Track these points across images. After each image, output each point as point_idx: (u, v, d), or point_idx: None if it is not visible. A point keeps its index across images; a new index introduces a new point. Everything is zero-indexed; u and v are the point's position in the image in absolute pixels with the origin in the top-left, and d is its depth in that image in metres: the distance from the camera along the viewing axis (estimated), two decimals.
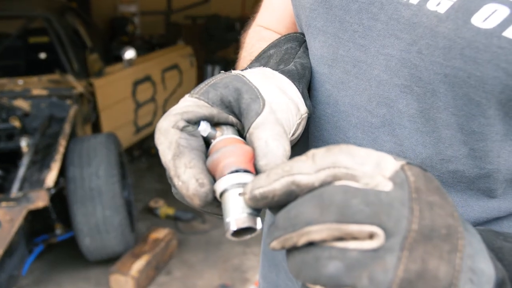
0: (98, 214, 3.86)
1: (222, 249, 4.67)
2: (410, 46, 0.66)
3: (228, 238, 0.50)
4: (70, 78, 4.68)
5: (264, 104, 0.60)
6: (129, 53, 5.35)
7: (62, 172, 3.89)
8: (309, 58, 0.83)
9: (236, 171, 0.52)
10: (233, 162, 0.53)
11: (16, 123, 4.17)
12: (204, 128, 0.59)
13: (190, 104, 0.60)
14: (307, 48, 0.85)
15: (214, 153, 0.55)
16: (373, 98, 0.72)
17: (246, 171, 0.53)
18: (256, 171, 0.54)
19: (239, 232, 0.51)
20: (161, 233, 4.46)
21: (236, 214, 0.50)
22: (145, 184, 5.98)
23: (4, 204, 3.31)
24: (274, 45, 0.85)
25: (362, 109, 0.74)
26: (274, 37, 0.96)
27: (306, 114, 0.71)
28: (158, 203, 5.30)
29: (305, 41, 0.86)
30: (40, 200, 3.38)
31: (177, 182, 0.53)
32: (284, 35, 0.88)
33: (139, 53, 5.81)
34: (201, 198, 0.52)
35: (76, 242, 3.98)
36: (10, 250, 3.41)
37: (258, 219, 0.51)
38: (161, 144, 0.55)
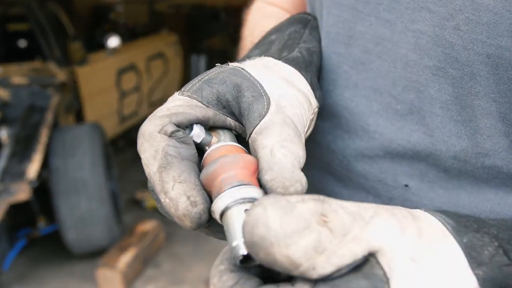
0: (83, 206, 3.77)
1: (211, 241, 4.60)
2: (445, 21, 0.57)
3: (237, 265, 0.43)
4: (52, 66, 4.56)
5: (269, 103, 0.52)
6: (113, 41, 5.28)
7: (45, 164, 3.79)
8: (316, 40, 0.74)
9: (238, 185, 0.44)
10: (234, 176, 0.45)
11: None
12: (198, 133, 0.50)
13: (180, 104, 0.51)
14: (314, 29, 0.76)
15: (210, 165, 0.46)
16: (399, 81, 0.63)
17: (249, 186, 0.45)
18: (261, 186, 0.46)
19: (250, 257, 0.41)
20: (148, 226, 4.38)
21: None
22: (130, 175, 5.87)
23: None
24: (276, 30, 0.75)
25: (385, 94, 0.65)
26: (279, 13, 0.89)
27: (317, 109, 0.62)
28: (144, 195, 5.21)
29: (310, 21, 0.76)
30: (22, 192, 3.29)
31: (163, 199, 0.45)
32: (287, 18, 0.77)
33: (123, 41, 5.71)
34: (193, 220, 0.44)
35: (60, 236, 3.89)
36: None
37: None
38: (145, 152, 0.47)
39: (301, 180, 0.45)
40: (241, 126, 0.54)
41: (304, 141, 0.52)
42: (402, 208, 0.45)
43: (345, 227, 0.38)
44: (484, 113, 0.58)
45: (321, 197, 0.40)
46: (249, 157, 0.47)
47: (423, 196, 0.66)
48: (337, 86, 0.72)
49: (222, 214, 0.43)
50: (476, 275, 0.41)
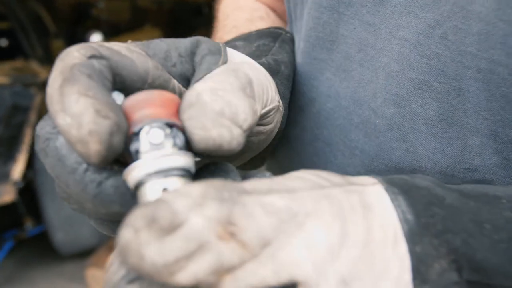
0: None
1: None
2: (431, 28, 0.51)
3: None
4: (34, 65, 4.50)
5: (225, 62, 0.43)
6: (96, 38, 5.25)
7: (30, 164, 3.73)
8: (286, 52, 0.66)
9: (152, 123, 0.35)
10: (150, 115, 0.35)
11: None
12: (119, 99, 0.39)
13: (118, 44, 0.41)
14: (284, 42, 0.69)
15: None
16: (379, 93, 0.57)
17: (169, 124, 0.35)
18: (184, 131, 0.37)
19: None
20: None
21: None
22: None
23: None
24: (242, 38, 0.67)
25: (365, 106, 0.59)
26: (253, 5, 0.82)
27: (280, 107, 0.54)
28: None
29: (281, 35, 0.69)
30: (7, 194, 3.27)
31: (62, 120, 0.33)
32: (256, 30, 0.70)
33: (106, 38, 5.66)
34: (103, 138, 0.33)
35: (48, 237, 3.84)
36: None
37: None
38: (54, 71, 0.37)
39: (232, 129, 0.36)
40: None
41: (259, 111, 0.43)
42: (358, 187, 0.37)
43: (263, 238, 0.30)
44: (473, 130, 0.52)
45: (237, 188, 0.31)
46: (170, 95, 0.38)
47: None
48: (320, 94, 0.66)
49: (136, 188, 0.35)
50: None
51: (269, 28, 0.71)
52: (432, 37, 0.52)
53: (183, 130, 0.36)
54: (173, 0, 9.58)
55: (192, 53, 0.44)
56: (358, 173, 0.61)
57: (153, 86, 0.41)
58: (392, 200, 0.37)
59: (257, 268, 0.30)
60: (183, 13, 9.51)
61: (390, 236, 0.35)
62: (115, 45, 0.40)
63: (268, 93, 0.47)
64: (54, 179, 0.38)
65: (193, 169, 0.36)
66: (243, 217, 0.30)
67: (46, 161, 0.37)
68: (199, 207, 0.29)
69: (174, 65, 0.43)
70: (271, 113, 0.49)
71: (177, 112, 0.37)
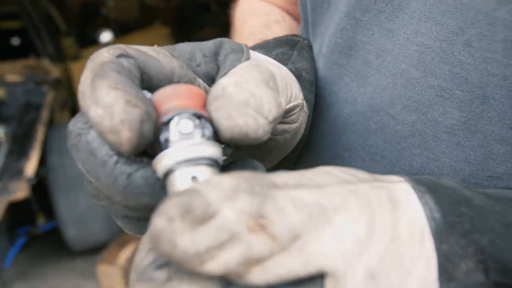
0: (82, 203, 3.76)
1: None
2: (455, 35, 0.50)
3: None
4: (46, 63, 4.53)
5: (247, 58, 0.44)
6: (105, 36, 5.27)
7: (42, 161, 3.77)
8: (306, 60, 0.66)
9: (181, 114, 0.36)
10: (179, 106, 0.36)
11: None
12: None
13: (145, 47, 0.42)
14: (303, 49, 0.68)
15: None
16: (398, 100, 0.56)
17: (197, 115, 0.36)
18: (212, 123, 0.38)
19: None
20: None
21: None
22: None
23: None
24: (260, 46, 0.66)
25: (382, 112, 0.58)
26: (268, 10, 0.82)
27: (305, 107, 0.54)
28: None
29: (299, 42, 0.69)
30: (20, 190, 3.29)
31: (95, 112, 0.35)
32: (273, 39, 0.69)
33: (115, 36, 5.68)
34: (133, 125, 0.34)
35: (59, 233, 3.88)
36: None
37: None
38: (85, 70, 0.38)
39: (259, 118, 0.37)
40: None
41: (283, 104, 0.43)
42: (385, 184, 0.37)
43: (293, 231, 0.30)
44: (498, 139, 0.50)
45: (268, 182, 0.32)
46: (196, 89, 0.39)
47: None
48: (338, 99, 0.65)
49: (165, 176, 0.36)
50: None
51: (286, 36, 0.70)
52: (456, 44, 0.50)
53: (210, 121, 0.37)
54: None
55: (216, 53, 0.45)
56: None
57: (180, 82, 0.42)
58: (420, 198, 0.37)
59: (286, 259, 0.30)
60: (191, 10, 9.53)
61: (417, 233, 0.35)
62: (142, 47, 0.41)
63: (291, 88, 0.47)
64: (85, 174, 0.39)
65: (221, 159, 0.37)
66: (273, 211, 0.30)
67: (78, 156, 0.38)
68: (231, 200, 0.29)
69: (198, 65, 0.44)
70: (295, 111, 0.49)
71: (204, 105, 0.38)
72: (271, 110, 0.39)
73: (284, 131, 0.50)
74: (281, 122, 0.48)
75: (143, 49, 0.40)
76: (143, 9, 9.42)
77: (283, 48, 0.66)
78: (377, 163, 0.60)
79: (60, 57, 4.81)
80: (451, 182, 0.39)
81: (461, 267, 0.34)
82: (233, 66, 0.42)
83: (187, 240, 0.29)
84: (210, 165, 0.35)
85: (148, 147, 0.38)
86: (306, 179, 0.34)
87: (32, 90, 4.23)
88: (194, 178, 0.34)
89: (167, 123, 0.36)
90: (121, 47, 0.39)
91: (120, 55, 0.38)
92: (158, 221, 0.29)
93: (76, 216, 3.78)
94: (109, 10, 7.96)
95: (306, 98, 0.58)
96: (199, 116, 0.36)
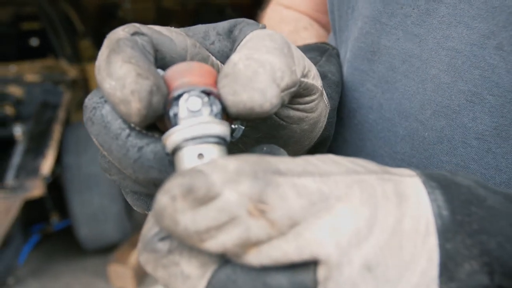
0: (95, 203, 3.79)
1: None
2: (486, 39, 0.49)
3: None
4: (63, 63, 4.58)
5: (262, 28, 0.44)
6: None
7: (57, 160, 3.81)
8: (333, 65, 0.66)
9: (191, 90, 0.36)
10: (189, 82, 0.37)
11: (10, 110, 4.06)
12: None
13: (158, 26, 0.43)
14: (332, 57, 0.68)
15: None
16: (428, 105, 0.55)
17: (206, 92, 0.37)
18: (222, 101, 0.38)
19: None
20: None
21: None
22: None
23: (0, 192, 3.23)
24: None
25: (411, 118, 0.57)
26: (296, 17, 0.83)
27: (325, 99, 0.52)
28: None
29: (328, 50, 0.69)
30: (36, 188, 3.32)
31: (108, 84, 0.36)
32: (303, 45, 0.69)
33: None
34: (142, 95, 0.35)
35: (73, 232, 3.91)
36: (6, 240, 3.34)
37: None
38: (102, 47, 0.39)
39: (266, 91, 0.37)
40: None
41: (298, 73, 0.42)
42: (394, 177, 0.37)
43: (292, 218, 0.31)
44: None
45: (272, 167, 0.32)
46: (208, 67, 0.39)
47: None
48: (361, 106, 0.64)
49: (173, 153, 0.37)
50: None
51: (316, 43, 0.70)
52: (487, 48, 0.50)
53: (219, 98, 0.37)
54: (197, 1, 9.67)
55: (230, 31, 0.44)
56: None
57: (193, 60, 0.42)
58: (429, 193, 0.36)
59: (281, 243, 0.31)
60: (206, 14, 9.59)
61: (421, 229, 0.34)
62: (156, 26, 0.42)
63: (308, 63, 0.45)
64: (98, 147, 0.40)
65: (228, 137, 0.37)
66: (274, 197, 0.30)
67: (92, 129, 0.39)
68: (233, 183, 0.30)
69: (212, 43, 0.44)
70: (314, 97, 0.47)
71: (215, 83, 0.38)
72: (283, 77, 0.38)
73: (301, 120, 0.49)
74: (297, 109, 0.47)
75: (157, 28, 0.41)
76: (159, 12, 9.50)
77: (311, 54, 0.65)
78: None
79: (77, 58, 4.85)
80: (467, 180, 0.38)
81: (464, 267, 0.34)
82: (245, 34, 0.42)
83: (188, 219, 0.30)
84: (217, 143, 0.36)
85: (159, 123, 0.39)
86: (311, 166, 0.34)
87: (49, 90, 4.28)
88: (200, 155, 0.35)
89: (176, 98, 0.37)
90: (136, 26, 0.40)
91: (134, 33, 0.39)
92: (162, 199, 0.30)
93: (89, 216, 3.81)
94: (126, 13, 8.04)
95: (330, 96, 0.58)
96: (208, 93, 0.37)
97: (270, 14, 0.88)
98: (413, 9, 0.56)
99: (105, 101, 0.38)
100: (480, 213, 0.36)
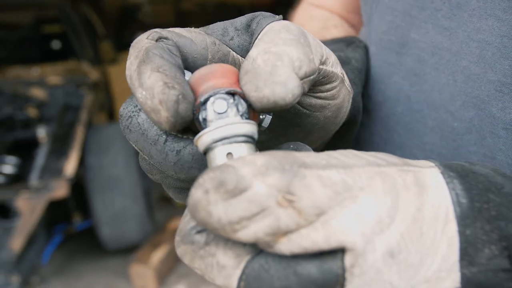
0: (117, 203, 3.83)
1: None
2: None
3: None
4: (85, 66, 4.63)
5: (279, 20, 0.44)
6: None
7: (80, 161, 3.86)
8: (359, 54, 0.66)
9: (216, 94, 0.38)
10: (213, 86, 0.39)
11: (33, 112, 4.13)
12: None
13: (178, 28, 0.44)
14: (358, 47, 0.69)
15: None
16: (458, 96, 0.56)
17: (231, 92, 0.38)
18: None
19: None
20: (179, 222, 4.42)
21: None
22: None
23: (24, 193, 3.28)
24: None
25: (441, 110, 0.58)
26: (326, 15, 0.84)
27: (347, 85, 0.52)
28: None
29: (355, 42, 0.69)
30: (60, 189, 3.37)
31: (140, 94, 0.37)
32: (331, 39, 0.71)
33: None
34: (170, 105, 0.36)
35: (94, 232, 3.96)
36: (30, 240, 3.39)
37: None
38: (129, 57, 0.41)
39: (287, 83, 0.37)
40: None
41: (316, 61, 0.42)
42: (414, 168, 0.38)
43: (319, 207, 0.32)
44: None
45: (298, 161, 0.33)
46: (229, 66, 0.41)
47: None
48: (387, 98, 0.65)
49: (205, 153, 0.38)
50: (462, 274, 0.35)
51: (344, 36, 0.72)
52: None
53: (244, 96, 0.39)
54: (215, 4, 9.71)
55: (248, 26, 0.45)
56: None
57: (213, 60, 0.43)
58: (448, 183, 0.37)
59: (310, 232, 0.32)
60: (225, 16, 9.61)
61: (441, 216, 0.36)
62: (176, 29, 0.43)
63: (326, 51, 0.45)
64: (138, 152, 0.42)
65: (256, 135, 0.39)
66: (301, 187, 0.32)
67: (130, 137, 0.41)
68: (262, 175, 0.32)
69: (231, 39, 0.45)
70: (334, 84, 0.48)
71: (238, 81, 0.40)
72: (302, 66, 0.39)
73: (323, 107, 0.49)
74: (318, 97, 0.48)
75: (177, 31, 0.43)
76: (178, 14, 9.56)
77: (338, 44, 0.67)
78: None
79: (98, 61, 4.90)
80: (485, 169, 0.40)
81: (484, 252, 0.35)
82: (262, 27, 0.43)
83: (220, 210, 0.32)
84: (244, 141, 0.37)
85: (193, 125, 0.40)
86: (334, 160, 0.35)
87: (71, 92, 4.33)
88: (229, 154, 0.37)
89: (203, 103, 0.38)
90: (157, 31, 0.41)
91: (158, 39, 0.40)
92: (195, 193, 0.32)
93: (111, 216, 3.85)
94: (146, 15, 8.11)
95: (352, 81, 0.59)
96: (233, 93, 0.38)
97: (300, 12, 0.89)
98: (444, 3, 0.57)
99: (140, 110, 0.41)
100: (498, 199, 0.37)
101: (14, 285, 3.33)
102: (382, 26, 0.65)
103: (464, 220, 0.36)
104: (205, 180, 0.32)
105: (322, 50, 0.44)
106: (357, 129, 0.62)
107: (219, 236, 0.35)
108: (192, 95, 0.38)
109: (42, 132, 3.88)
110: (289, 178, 0.32)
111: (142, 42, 0.40)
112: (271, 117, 0.44)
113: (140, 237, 4.04)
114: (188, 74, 0.42)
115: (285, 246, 0.32)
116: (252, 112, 0.40)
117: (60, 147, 3.77)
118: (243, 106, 0.38)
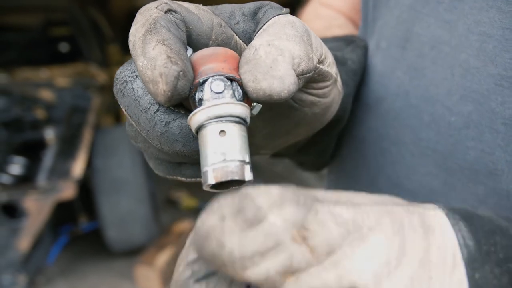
0: (123, 205, 3.84)
1: None
2: None
3: (206, 190, 0.38)
4: (93, 68, 4.66)
5: (285, 13, 0.44)
6: None
7: (86, 163, 3.88)
8: (357, 55, 0.66)
9: (215, 75, 0.39)
10: (214, 68, 0.39)
11: (41, 114, 4.16)
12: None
13: (187, 3, 0.44)
14: (358, 47, 0.69)
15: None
16: (455, 90, 0.54)
17: (230, 78, 0.39)
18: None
19: (223, 184, 0.38)
20: (185, 225, 4.43)
21: (215, 161, 0.37)
22: None
23: (32, 193, 3.30)
24: None
25: (438, 104, 0.57)
26: (332, 15, 0.84)
27: (339, 86, 0.53)
28: (179, 195, 5.27)
29: (355, 41, 0.69)
30: (68, 190, 3.39)
31: (141, 62, 0.37)
32: (331, 37, 0.70)
33: None
34: (169, 80, 0.36)
35: (100, 233, 3.98)
36: (37, 240, 3.41)
37: (247, 168, 0.37)
38: (136, 23, 0.40)
39: (284, 79, 0.38)
40: None
41: (314, 60, 0.43)
42: (419, 209, 0.37)
43: (331, 246, 0.30)
44: None
45: (311, 195, 0.32)
46: (232, 52, 0.41)
47: None
48: (388, 93, 0.64)
49: (197, 131, 0.39)
50: None
51: (344, 35, 0.72)
52: None
53: (241, 84, 0.40)
54: None
55: (255, 13, 0.45)
56: (429, 173, 0.59)
57: (216, 41, 0.43)
58: (453, 225, 0.36)
59: (320, 272, 0.30)
60: None
61: (448, 260, 0.34)
62: (184, 3, 0.43)
63: (326, 50, 0.46)
64: (127, 118, 0.43)
65: (248, 119, 0.39)
66: (315, 223, 0.30)
67: (122, 101, 0.41)
68: (278, 207, 0.29)
69: (237, 23, 0.44)
70: (327, 83, 0.49)
71: (237, 67, 0.40)
72: (300, 64, 0.40)
73: (313, 104, 0.50)
74: (310, 94, 0.49)
75: (186, 5, 0.42)
76: None
77: (338, 43, 0.67)
78: (428, 158, 0.59)
79: (105, 63, 4.93)
80: (487, 213, 0.39)
81: None
82: (268, 18, 0.43)
83: (235, 242, 0.29)
84: (237, 122, 0.38)
85: (186, 102, 0.41)
86: (344, 197, 0.35)
87: (79, 94, 4.36)
88: (222, 132, 0.37)
89: (202, 83, 0.39)
90: (167, 2, 0.41)
91: (167, 11, 0.40)
92: (210, 219, 0.29)
93: (117, 218, 3.87)
94: None
95: (345, 82, 0.59)
96: (231, 79, 0.39)
97: (307, 10, 0.89)
98: None
99: (137, 76, 0.41)
100: (504, 242, 0.36)
101: (20, 285, 3.35)
102: (391, 21, 0.65)
103: (473, 264, 0.34)
104: (221, 206, 0.29)
105: (322, 50, 0.45)
106: (342, 127, 0.64)
107: (223, 276, 0.32)
108: (192, 74, 0.39)
109: (50, 134, 3.91)
110: (305, 212, 0.30)
111: (151, 11, 0.40)
112: (261, 106, 0.44)
113: (145, 239, 4.05)
114: (189, 51, 0.42)
115: (293, 286, 0.29)
116: (246, 100, 0.41)
117: (67, 148, 3.79)
118: (239, 93, 0.40)
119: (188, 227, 4.41)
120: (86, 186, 3.97)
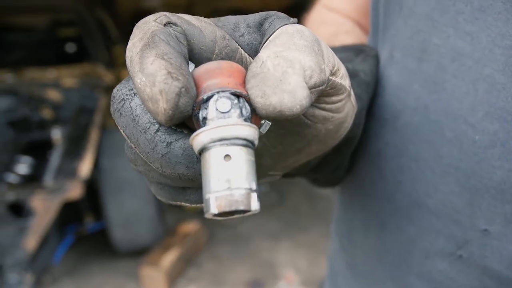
0: (129, 206, 3.85)
1: (251, 243, 4.63)
2: None
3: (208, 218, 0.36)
4: (100, 69, 4.67)
5: (293, 23, 0.42)
6: None
7: (94, 163, 3.89)
8: (368, 65, 0.64)
9: (220, 92, 0.36)
10: (219, 84, 0.36)
11: (48, 114, 4.17)
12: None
13: (188, 15, 0.41)
14: (368, 57, 0.66)
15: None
16: (480, 107, 0.52)
17: (236, 94, 0.36)
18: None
19: (227, 213, 0.35)
20: (190, 226, 4.44)
21: (219, 189, 0.34)
22: None
23: (39, 193, 3.31)
24: None
25: (460, 120, 0.54)
26: (339, 20, 0.81)
27: (353, 100, 0.51)
28: None
29: (364, 51, 0.67)
30: (75, 190, 3.39)
31: (139, 79, 0.35)
32: (340, 46, 0.68)
33: None
34: (170, 97, 0.33)
35: (106, 233, 3.98)
36: (43, 240, 3.42)
37: (254, 196, 0.35)
38: (133, 38, 0.38)
39: (296, 93, 0.35)
40: None
41: (327, 72, 0.40)
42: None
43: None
44: None
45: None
46: (237, 66, 0.38)
47: (506, 241, 0.53)
48: (406, 107, 0.61)
49: (200, 153, 0.36)
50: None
51: (353, 44, 0.69)
52: None
53: (248, 100, 0.36)
54: (228, 9, 9.73)
55: (260, 24, 0.42)
56: (452, 192, 0.57)
57: (220, 55, 0.40)
58: None
59: None
60: None
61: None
62: (185, 15, 0.41)
63: (338, 62, 0.44)
64: (126, 139, 0.40)
65: (256, 141, 0.36)
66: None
67: (120, 121, 0.38)
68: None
69: (242, 35, 0.42)
70: (341, 97, 0.46)
71: (244, 82, 0.37)
72: (312, 76, 0.37)
73: (326, 120, 0.47)
74: (322, 109, 0.46)
75: (186, 18, 0.40)
76: None
77: (346, 53, 0.64)
78: (450, 176, 0.56)
79: (112, 64, 4.94)
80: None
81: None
82: (275, 28, 0.41)
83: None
84: (244, 145, 0.35)
85: (189, 121, 0.38)
86: None
87: (86, 94, 4.37)
88: (227, 156, 0.34)
89: (206, 100, 0.36)
90: (166, 15, 0.39)
91: (167, 23, 0.38)
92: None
93: (123, 218, 3.87)
94: None
95: (358, 96, 0.57)
96: (238, 95, 0.36)
97: (313, 16, 0.86)
98: (466, 5, 0.53)
99: (135, 94, 0.38)
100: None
101: (27, 284, 3.36)
102: (406, 31, 0.62)
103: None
104: None
105: (334, 60, 0.42)
106: (355, 144, 0.61)
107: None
108: (195, 90, 0.36)
109: (57, 134, 3.92)
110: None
111: (149, 24, 0.37)
112: (270, 124, 0.41)
113: (151, 240, 4.06)
114: (191, 66, 0.39)
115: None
116: (255, 117, 0.38)
117: (74, 148, 3.80)
118: (247, 110, 0.36)
119: (194, 228, 4.42)
120: (92, 187, 3.98)
